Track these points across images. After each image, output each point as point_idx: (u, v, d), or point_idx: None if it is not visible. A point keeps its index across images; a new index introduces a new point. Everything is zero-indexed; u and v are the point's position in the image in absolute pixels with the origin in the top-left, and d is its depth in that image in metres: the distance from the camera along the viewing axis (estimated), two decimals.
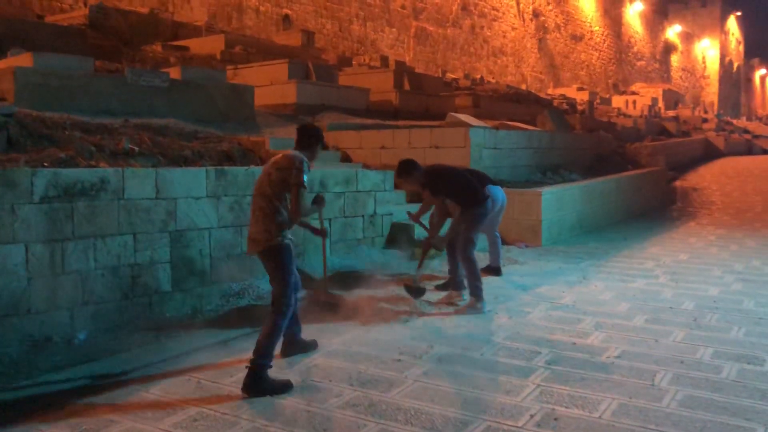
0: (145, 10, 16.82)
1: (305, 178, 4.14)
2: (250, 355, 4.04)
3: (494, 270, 6.97)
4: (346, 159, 9.87)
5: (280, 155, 4.29)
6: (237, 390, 3.93)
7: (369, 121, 11.54)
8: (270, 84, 12.09)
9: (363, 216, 7.70)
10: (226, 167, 6.25)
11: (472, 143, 8.81)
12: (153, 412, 3.64)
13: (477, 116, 15.07)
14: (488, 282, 6.51)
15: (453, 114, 9.72)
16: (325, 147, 10.12)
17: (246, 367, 3.96)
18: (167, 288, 5.62)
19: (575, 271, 7.24)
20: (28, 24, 12.05)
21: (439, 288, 6.42)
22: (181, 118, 9.88)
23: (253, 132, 10.58)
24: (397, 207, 8.20)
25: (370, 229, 7.80)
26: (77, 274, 5.00)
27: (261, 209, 4.19)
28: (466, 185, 6.08)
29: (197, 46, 16.32)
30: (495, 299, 6.01)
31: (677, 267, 7.50)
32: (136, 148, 8.22)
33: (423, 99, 14.01)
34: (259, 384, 3.92)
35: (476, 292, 5.81)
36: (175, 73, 10.34)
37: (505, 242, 8.52)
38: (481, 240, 7.10)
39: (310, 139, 4.39)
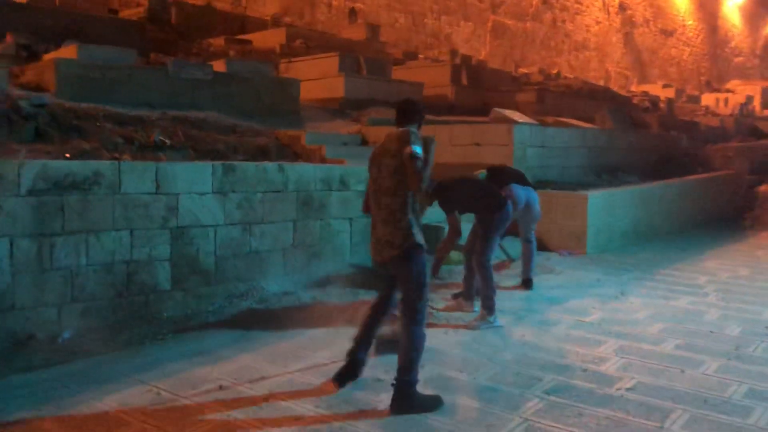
0: (207, 2, 16.94)
1: (416, 148, 3.59)
2: (225, 365, 3.77)
3: (524, 283, 6.42)
4: None
5: (384, 139, 3.84)
6: (194, 403, 3.66)
7: None
8: (320, 78, 11.85)
9: None
10: (234, 162, 6.01)
11: (516, 141, 8.25)
12: (97, 425, 3.40)
13: (540, 113, 14.36)
14: (514, 294, 6.02)
15: (497, 109, 9.16)
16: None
17: (392, 384, 3.66)
18: (166, 287, 5.43)
19: (614, 284, 6.60)
20: (89, 18, 12.28)
21: (455, 297, 5.99)
22: (224, 111, 9.78)
23: (297, 126, 10.38)
24: (430, 207, 7.76)
25: None
26: (67, 270, 4.86)
27: (387, 207, 3.71)
28: (475, 194, 5.62)
29: (260, 39, 16.30)
30: (513, 314, 5.50)
31: (732, 284, 6.72)
32: (167, 141, 8.14)
33: (481, 94, 13.44)
34: (409, 401, 3.61)
35: (488, 304, 5.33)
36: (219, 65, 10.25)
37: (546, 249, 7.96)
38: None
39: (407, 115, 3.89)
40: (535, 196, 6.34)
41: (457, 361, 4.38)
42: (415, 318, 3.72)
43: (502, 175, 6.17)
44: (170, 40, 13.33)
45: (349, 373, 3.94)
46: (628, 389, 3.96)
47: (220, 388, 3.89)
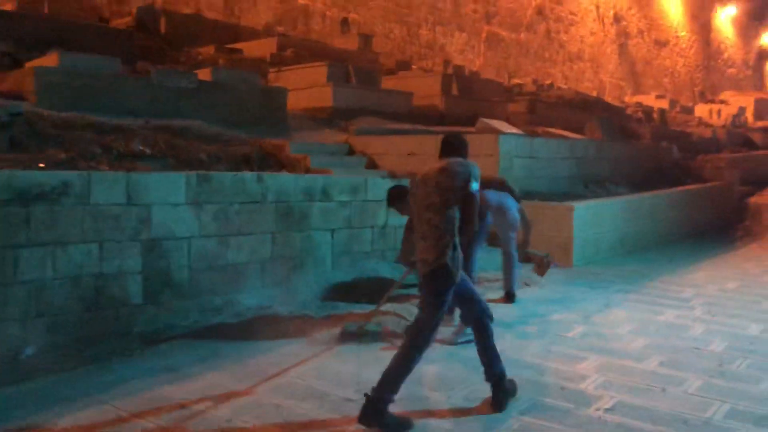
0: (196, 11, 16.86)
1: (475, 185, 3.63)
2: (191, 383, 3.71)
3: (507, 296, 6.29)
4: (372, 165, 9.39)
5: (445, 162, 3.76)
6: (152, 425, 3.51)
7: (407, 126, 11.02)
8: (308, 87, 11.75)
9: (372, 227, 7.18)
10: (210, 172, 5.88)
11: (501, 151, 8.13)
12: None
13: (531, 123, 14.27)
14: (495, 308, 5.85)
15: (484, 120, 9.05)
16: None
17: (365, 395, 3.54)
18: (138, 301, 5.28)
19: (600, 297, 6.47)
20: (76, 26, 12.16)
21: None
22: (209, 120, 9.66)
23: (284, 136, 10.26)
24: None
25: (381, 242, 7.27)
26: (32, 284, 4.71)
27: (428, 222, 3.66)
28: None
29: (251, 48, 16.21)
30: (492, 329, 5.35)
31: (720, 297, 6.59)
32: (148, 150, 8.03)
33: (472, 104, 13.33)
34: (378, 418, 3.49)
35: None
36: (205, 74, 10.14)
37: (532, 261, 7.83)
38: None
39: (454, 149, 3.90)
40: (512, 203, 6.20)
41: (432, 379, 4.25)
42: (417, 343, 3.64)
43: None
44: (158, 49, 13.22)
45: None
46: (606, 410, 3.82)
47: (182, 407, 3.74)
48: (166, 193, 5.44)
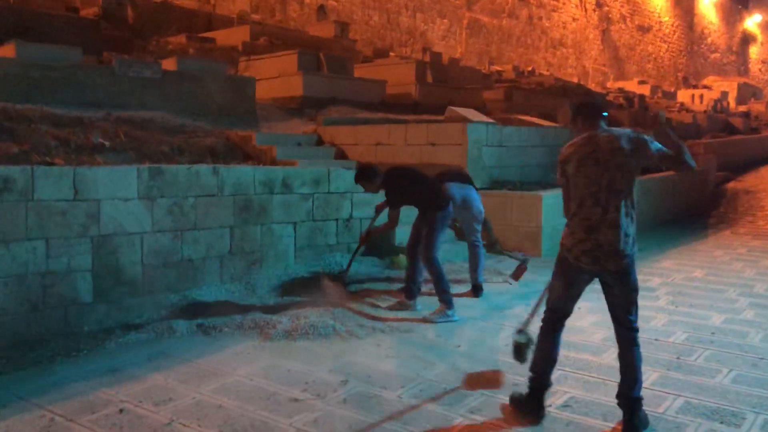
0: (168, 0, 16.53)
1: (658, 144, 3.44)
2: (134, 385, 3.58)
3: (473, 289, 6.19)
4: (341, 156, 9.25)
5: (622, 136, 3.42)
6: (87, 430, 3.38)
7: (378, 115, 10.87)
8: (278, 76, 11.57)
9: (337, 220, 7.05)
10: (162, 165, 5.71)
11: (470, 140, 8.00)
12: None
13: (507, 110, 14.14)
14: (459, 302, 5.77)
15: (453, 108, 8.91)
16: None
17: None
18: (88, 299, 5.13)
19: None
20: (41, 16, 11.88)
21: (400, 291, 5.92)
22: (173, 111, 9.48)
23: (252, 126, 10.10)
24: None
25: (346, 235, 7.14)
26: None
27: (618, 210, 3.36)
28: (425, 189, 5.56)
29: (224, 37, 15.96)
30: (453, 322, 5.27)
31: (685, 286, 6.53)
32: (107, 143, 7.84)
33: (447, 92, 13.18)
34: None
35: (444, 298, 5.41)
36: (170, 64, 9.92)
37: (501, 251, 7.74)
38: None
39: (595, 115, 3.57)
40: (476, 195, 6.15)
41: (384, 377, 4.13)
42: (633, 331, 3.48)
43: (438, 175, 6.05)
44: (126, 39, 12.97)
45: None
46: (558, 406, 3.73)
47: (121, 411, 3.61)
48: (117, 188, 5.28)
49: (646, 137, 3.45)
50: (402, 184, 5.52)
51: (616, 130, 3.52)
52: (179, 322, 5.13)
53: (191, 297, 5.62)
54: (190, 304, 5.55)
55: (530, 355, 3.73)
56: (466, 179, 6.22)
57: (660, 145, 3.44)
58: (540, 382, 3.59)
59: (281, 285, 6.15)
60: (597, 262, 3.39)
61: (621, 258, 3.37)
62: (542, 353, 3.63)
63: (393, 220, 5.55)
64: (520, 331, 3.90)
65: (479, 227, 6.25)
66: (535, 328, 3.79)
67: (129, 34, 13.18)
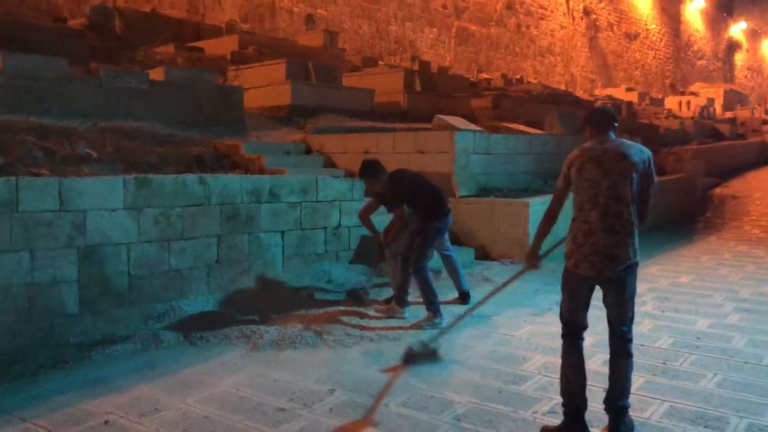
0: (152, 9, 16.53)
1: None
2: (120, 396, 3.55)
3: (461, 296, 6.18)
4: (330, 164, 9.25)
5: (632, 146, 3.44)
6: None
7: (367, 124, 10.89)
8: (267, 85, 11.58)
9: (325, 228, 7.06)
10: (149, 176, 5.70)
11: (457, 148, 8.04)
12: None
13: (495, 118, 14.20)
14: (446, 309, 5.78)
15: (440, 116, 8.95)
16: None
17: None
18: (74, 310, 5.10)
19: (552, 294, 6.39)
20: (27, 26, 11.87)
21: (387, 301, 5.94)
22: (161, 121, 9.46)
23: (240, 135, 10.08)
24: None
25: (334, 243, 7.15)
26: None
27: (618, 216, 3.36)
28: (429, 195, 5.66)
29: (212, 47, 15.97)
30: (441, 330, 5.27)
31: (672, 292, 6.56)
32: (94, 153, 7.82)
33: (435, 100, 13.24)
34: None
35: (432, 308, 5.46)
36: (157, 74, 9.92)
37: (489, 258, 7.79)
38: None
39: (608, 124, 3.56)
40: None
41: (371, 385, 4.13)
42: (627, 342, 3.48)
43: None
44: (114, 49, 12.95)
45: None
46: (546, 413, 3.75)
47: (106, 423, 3.60)
48: (103, 198, 5.26)
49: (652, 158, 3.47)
50: (410, 184, 5.57)
51: (627, 141, 3.52)
52: (166, 333, 5.12)
53: (178, 307, 5.59)
54: (177, 315, 5.52)
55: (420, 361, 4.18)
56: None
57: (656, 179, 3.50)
58: (576, 404, 3.45)
59: (270, 294, 6.13)
60: (594, 267, 3.36)
61: (618, 264, 3.33)
62: (571, 371, 3.49)
63: (400, 218, 5.56)
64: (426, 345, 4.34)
65: (446, 236, 6.25)
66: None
67: (117, 44, 13.16)
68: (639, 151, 3.43)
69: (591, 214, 3.37)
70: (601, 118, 3.60)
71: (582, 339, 3.56)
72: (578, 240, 3.41)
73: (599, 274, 3.36)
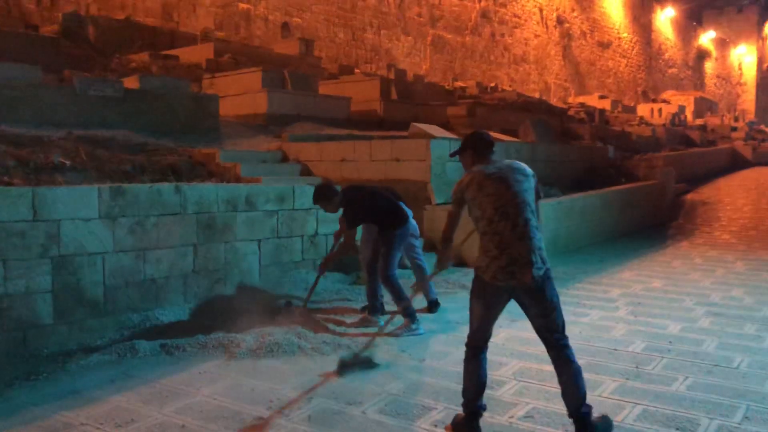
0: (126, 17, 16.42)
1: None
2: (95, 408, 3.52)
3: (429, 305, 6.17)
4: (307, 172, 9.27)
5: (518, 162, 3.65)
6: None
7: (343, 132, 10.93)
8: (243, 93, 11.57)
9: (302, 236, 7.06)
10: (124, 185, 5.67)
11: (433, 156, 8.11)
12: None
13: (470, 126, 14.31)
14: (420, 317, 5.80)
15: (416, 124, 9.03)
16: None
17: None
18: (48, 321, 5.05)
19: None
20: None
21: (362, 310, 5.96)
22: (136, 129, 9.43)
23: (216, 144, 10.08)
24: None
25: (312, 251, 7.16)
26: None
27: (528, 224, 3.41)
28: (385, 209, 5.64)
29: (187, 55, 15.94)
30: (415, 337, 5.32)
31: (644, 297, 6.68)
32: (68, 162, 7.75)
33: (411, 108, 13.34)
34: None
35: (407, 313, 5.44)
36: (132, 82, 9.88)
37: (465, 265, 7.84)
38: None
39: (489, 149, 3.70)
40: (408, 211, 6.03)
41: (348, 392, 4.15)
42: (565, 348, 3.45)
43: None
44: (88, 57, 12.86)
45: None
46: (520, 417, 3.80)
47: None
48: (77, 208, 5.22)
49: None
50: (360, 201, 5.55)
51: (506, 161, 3.65)
52: (142, 343, 5.07)
53: (154, 317, 5.56)
54: (153, 324, 5.49)
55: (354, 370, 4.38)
56: (396, 196, 6.16)
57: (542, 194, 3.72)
58: (473, 407, 3.55)
59: (247, 303, 6.11)
60: (513, 277, 3.36)
61: (536, 269, 3.35)
62: (471, 378, 3.55)
63: (349, 240, 5.57)
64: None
65: (418, 243, 6.28)
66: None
67: (90, 51, 13.07)
68: (526, 167, 3.60)
69: (501, 225, 3.41)
70: (482, 142, 3.70)
71: (486, 350, 3.62)
72: (492, 253, 3.42)
73: (520, 282, 3.37)
